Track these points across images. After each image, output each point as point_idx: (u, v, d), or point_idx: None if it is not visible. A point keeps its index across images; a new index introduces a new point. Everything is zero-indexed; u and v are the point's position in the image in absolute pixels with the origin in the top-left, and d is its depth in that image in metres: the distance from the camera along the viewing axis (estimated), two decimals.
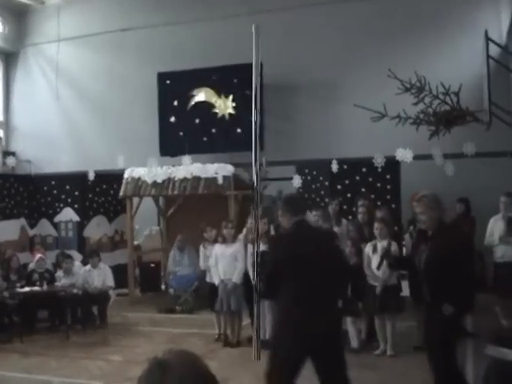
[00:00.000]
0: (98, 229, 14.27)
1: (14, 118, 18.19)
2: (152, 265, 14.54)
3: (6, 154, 17.13)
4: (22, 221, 14.24)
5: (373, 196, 10.98)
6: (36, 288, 10.57)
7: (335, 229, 9.29)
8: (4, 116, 18.18)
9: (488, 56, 9.48)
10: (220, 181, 12.15)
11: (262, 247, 8.91)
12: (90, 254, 11.58)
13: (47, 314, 10.98)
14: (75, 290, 10.71)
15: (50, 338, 10.23)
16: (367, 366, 7.88)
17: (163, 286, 13.89)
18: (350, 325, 8.58)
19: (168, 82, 15.26)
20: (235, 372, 7.93)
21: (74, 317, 10.94)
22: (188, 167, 12.58)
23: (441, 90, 8.86)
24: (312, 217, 9.43)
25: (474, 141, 9.97)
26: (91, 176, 13.48)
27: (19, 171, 16.58)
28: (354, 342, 8.57)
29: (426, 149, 10.43)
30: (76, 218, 14.09)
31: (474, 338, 8.64)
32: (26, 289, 10.55)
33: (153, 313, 12.10)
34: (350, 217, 10.39)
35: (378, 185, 11.58)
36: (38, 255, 11.39)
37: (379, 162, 10.55)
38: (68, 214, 14.17)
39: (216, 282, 9.40)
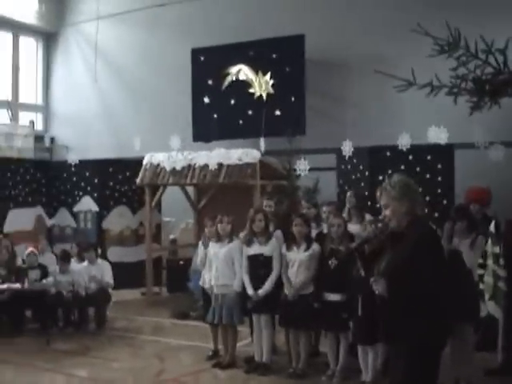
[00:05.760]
0: (119, 220, 12.92)
1: (53, 101, 17.16)
2: (181, 262, 13.05)
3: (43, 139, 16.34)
4: (39, 209, 13.11)
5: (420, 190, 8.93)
6: (3, 286, 9.28)
7: (353, 226, 7.45)
8: (44, 100, 17.20)
9: None
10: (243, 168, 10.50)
11: (258, 248, 7.36)
12: (87, 248, 10.15)
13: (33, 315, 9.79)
14: (53, 290, 9.35)
15: (32, 341, 8.92)
16: None
17: None
18: (360, 351, 6.74)
19: (202, 58, 13.68)
20: None
21: (66, 319, 9.66)
22: (209, 153, 11.00)
23: (482, 48, 6.69)
24: (322, 212, 7.77)
25: None
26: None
27: (56, 157, 16.03)
28: (366, 374, 6.72)
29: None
30: (95, 207, 12.80)
31: None
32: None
33: (164, 317, 10.62)
34: None
35: (427, 176, 9.65)
36: (30, 249, 10.05)
37: (404, 144, 8.56)
38: (87, 204, 12.91)
39: (206, 286, 7.85)
